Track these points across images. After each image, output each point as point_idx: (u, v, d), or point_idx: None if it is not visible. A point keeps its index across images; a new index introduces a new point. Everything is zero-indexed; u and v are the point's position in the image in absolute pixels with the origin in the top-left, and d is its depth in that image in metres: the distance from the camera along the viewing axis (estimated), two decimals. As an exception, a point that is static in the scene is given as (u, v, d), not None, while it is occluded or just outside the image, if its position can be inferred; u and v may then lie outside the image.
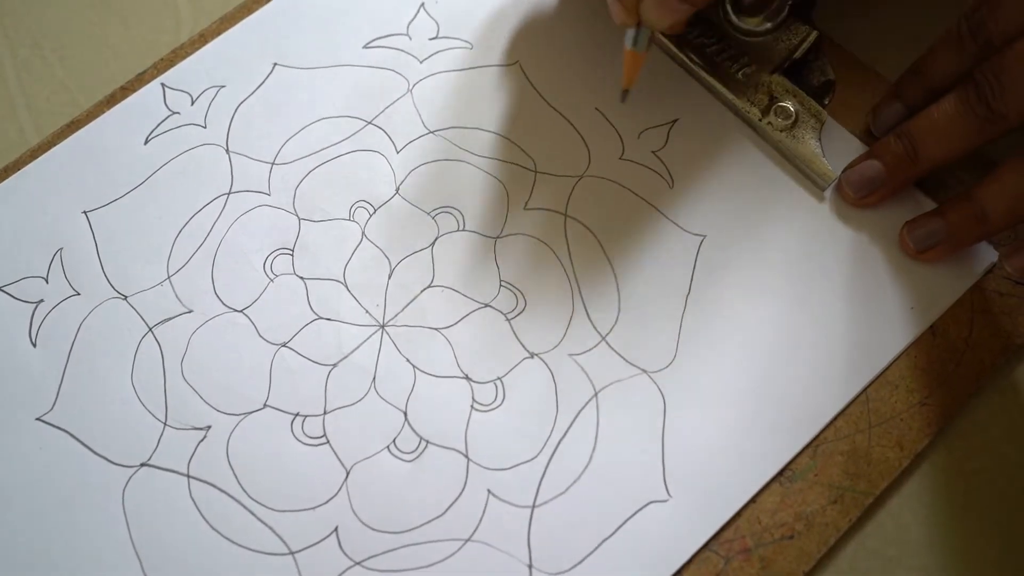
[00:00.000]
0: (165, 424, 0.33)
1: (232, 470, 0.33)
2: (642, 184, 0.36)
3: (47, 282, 0.36)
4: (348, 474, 0.32)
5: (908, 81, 0.36)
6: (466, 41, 0.40)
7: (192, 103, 0.39)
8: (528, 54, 0.39)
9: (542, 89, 0.38)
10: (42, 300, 0.36)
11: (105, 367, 0.34)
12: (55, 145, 0.38)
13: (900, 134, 0.35)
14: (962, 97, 0.33)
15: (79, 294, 0.36)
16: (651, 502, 0.32)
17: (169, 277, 0.36)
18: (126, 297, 0.36)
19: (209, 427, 0.33)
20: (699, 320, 0.34)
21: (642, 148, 0.37)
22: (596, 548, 0.31)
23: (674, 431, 0.33)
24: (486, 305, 0.35)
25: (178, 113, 0.39)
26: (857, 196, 0.35)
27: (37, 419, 0.34)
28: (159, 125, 0.39)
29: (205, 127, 0.38)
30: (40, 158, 0.38)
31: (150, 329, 0.35)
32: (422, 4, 0.41)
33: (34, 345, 0.35)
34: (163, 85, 0.39)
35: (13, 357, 0.35)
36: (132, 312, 0.35)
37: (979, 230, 0.33)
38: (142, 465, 0.33)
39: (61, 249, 0.36)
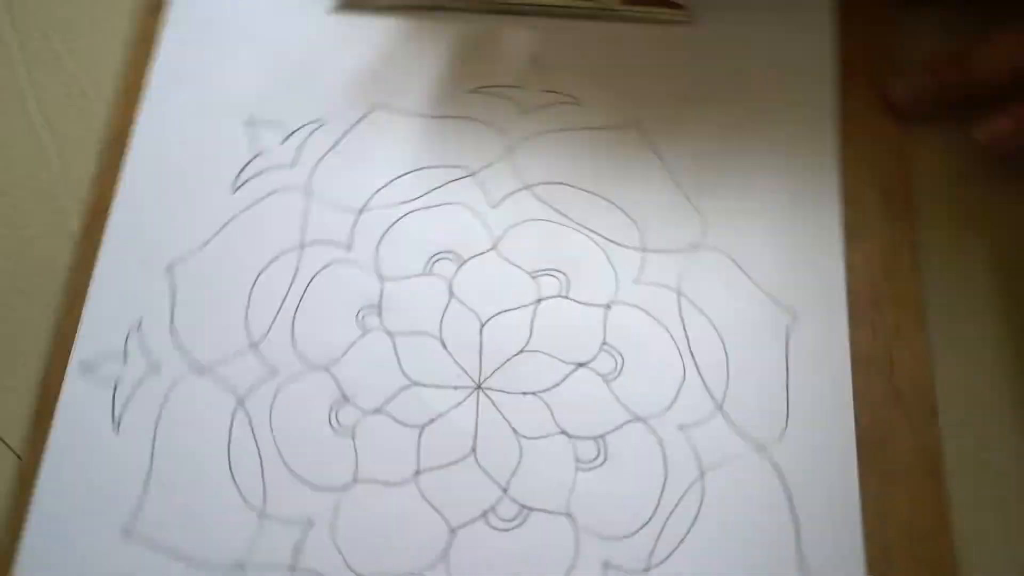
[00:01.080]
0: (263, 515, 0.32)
1: (341, 554, 0.31)
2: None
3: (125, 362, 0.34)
4: (453, 538, 0.31)
5: (945, 66, 0.34)
6: (574, 97, 0.38)
7: (282, 142, 0.37)
8: (647, 115, 0.37)
9: (662, 154, 0.36)
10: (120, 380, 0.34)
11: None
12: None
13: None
14: None
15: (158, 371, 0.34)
16: None
17: (252, 342, 0.34)
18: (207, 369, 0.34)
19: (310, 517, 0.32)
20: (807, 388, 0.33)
21: None
22: None
23: (804, 509, 0.31)
24: (584, 365, 0.34)
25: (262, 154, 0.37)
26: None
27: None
28: (245, 168, 0.37)
29: (292, 168, 0.37)
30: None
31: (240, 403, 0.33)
32: (533, 57, 0.38)
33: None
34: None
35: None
36: (216, 385, 0.34)
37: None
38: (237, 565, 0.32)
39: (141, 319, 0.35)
